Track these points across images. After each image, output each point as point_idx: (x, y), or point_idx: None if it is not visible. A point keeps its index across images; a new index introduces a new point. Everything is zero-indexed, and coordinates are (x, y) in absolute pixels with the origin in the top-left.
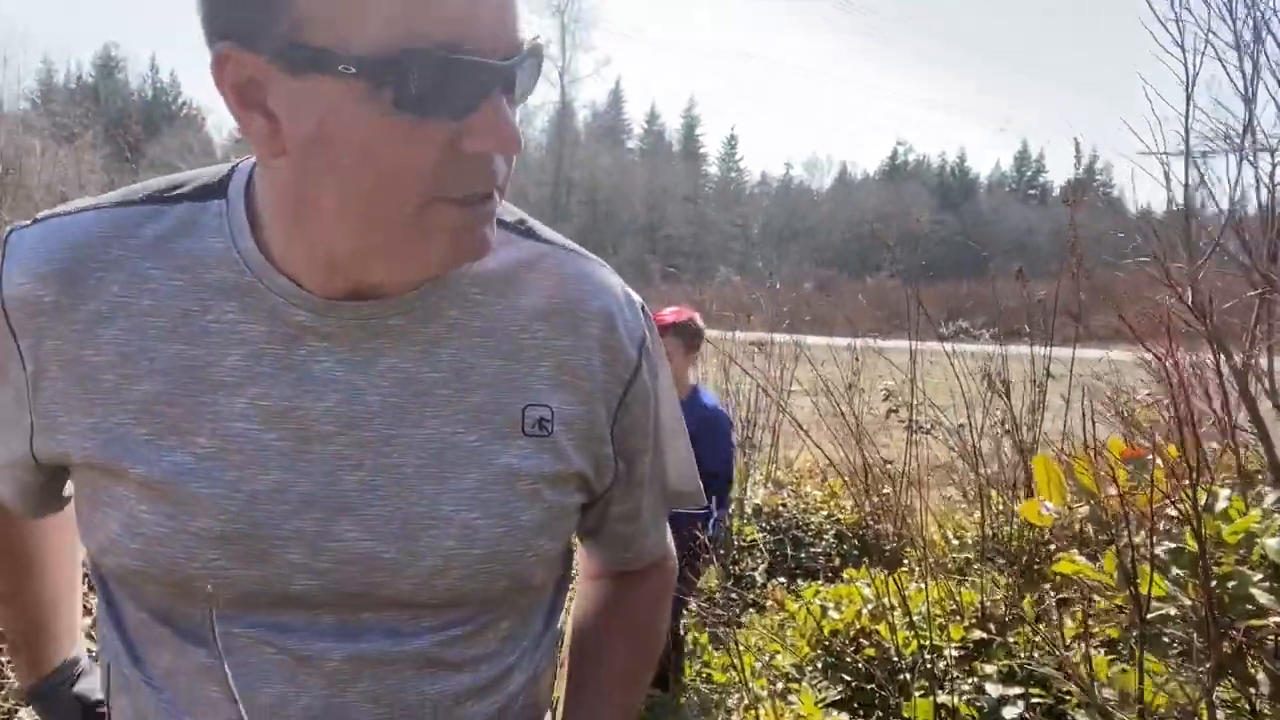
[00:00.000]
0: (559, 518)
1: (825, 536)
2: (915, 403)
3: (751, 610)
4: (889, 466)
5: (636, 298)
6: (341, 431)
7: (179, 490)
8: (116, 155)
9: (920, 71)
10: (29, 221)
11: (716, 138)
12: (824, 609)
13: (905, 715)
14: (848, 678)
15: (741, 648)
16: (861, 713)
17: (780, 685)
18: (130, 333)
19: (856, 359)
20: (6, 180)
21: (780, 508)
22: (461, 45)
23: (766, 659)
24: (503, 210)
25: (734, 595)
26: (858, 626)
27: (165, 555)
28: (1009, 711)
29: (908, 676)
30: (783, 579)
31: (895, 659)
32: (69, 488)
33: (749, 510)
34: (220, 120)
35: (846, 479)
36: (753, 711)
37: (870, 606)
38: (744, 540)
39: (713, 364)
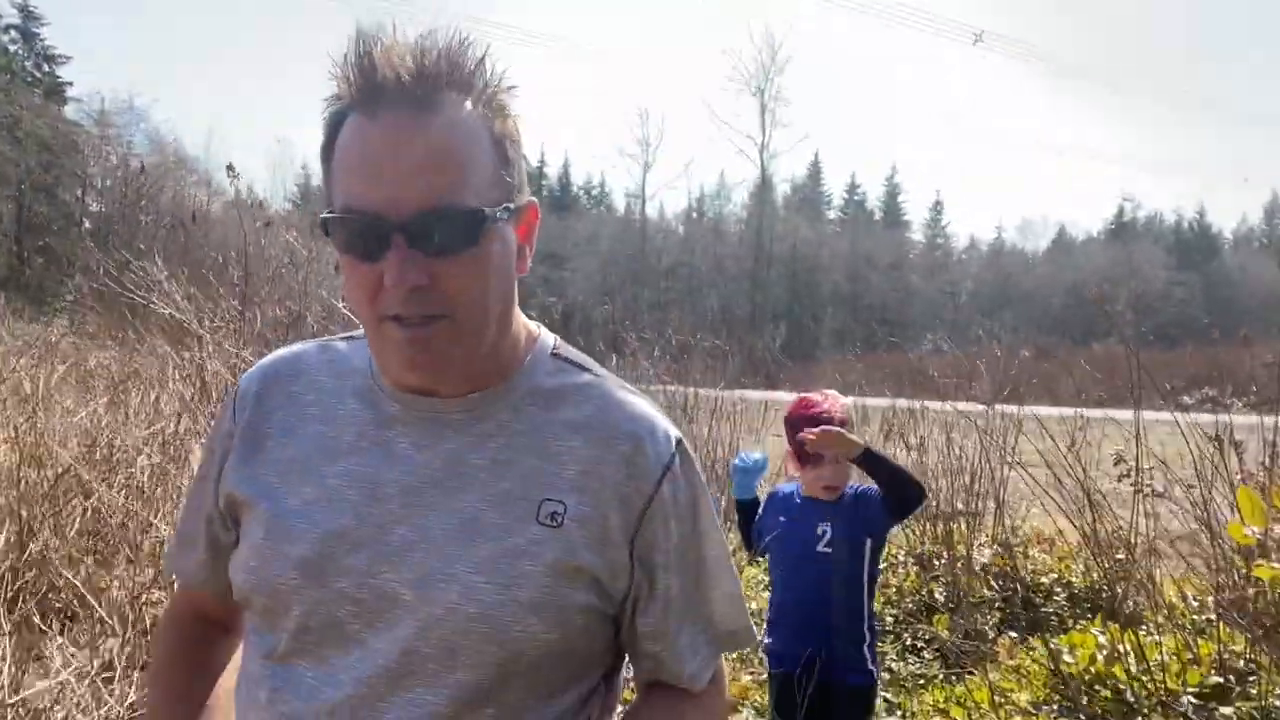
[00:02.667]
0: (558, 607)
1: (1056, 598)
2: (1148, 466)
3: (984, 663)
4: (1122, 531)
5: (675, 432)
6: (399, 496)
7: (285, 523)
8: None
9: (1144, 126)
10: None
11: (921, 204)
12: (1058, 653)
13: None
14: (1084, 717)
15: (977, 685)
16: None
17: (1017, 718)
18: (293, 416)
19: (1080, 427)
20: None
21: (1008, 568)
22: (364, 209)
23: (1003, 697)
24: (570, 351)
25: (965, 649)
26: (1093, 671)
27: (264, 571)
28: None
29: (1144, 718)
30: (1013, 634)
31: (1133, 700)
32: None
33: (977, 568)
34: None
35: (1080, 541)
36: None
37: (1105, 653)
38: (974, 596)
39: (936, 427)
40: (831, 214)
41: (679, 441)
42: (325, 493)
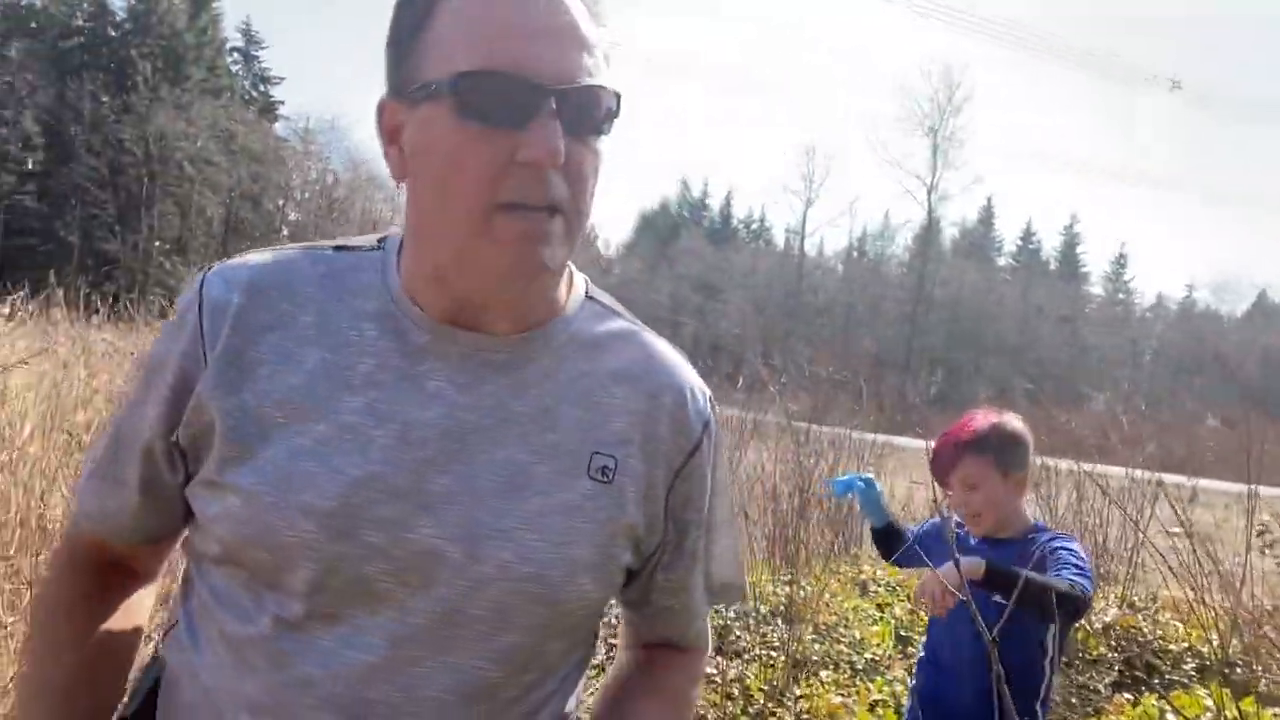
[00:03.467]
0: (607, 564)
1: (1184, 666)
2: None
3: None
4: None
5: (707, 390)
6: (436, 440)
7: (293, 466)
8: None
9: None
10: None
11: (1102, 256)
12: (1162, 712)
13: None
14: None
15: None
16: None
17: None
18: (289, 339)
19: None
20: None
21: (1133, 630)
22: (516, 71)
23: None
24: (601, 294)
25: (1074, 700)
26: None
27: (266, 521)
28: None
29: None
30: (1130, 696)
31: None
32: (169, 521)
33: (1097, 626)
34: (606, 238)
35: (1219, 612)
36: None
37: (1210, 715)
38: (1089, 654)
39: (1068, 487)
40: (1002, 261)
41: (710, 396)
42: (342, 431)
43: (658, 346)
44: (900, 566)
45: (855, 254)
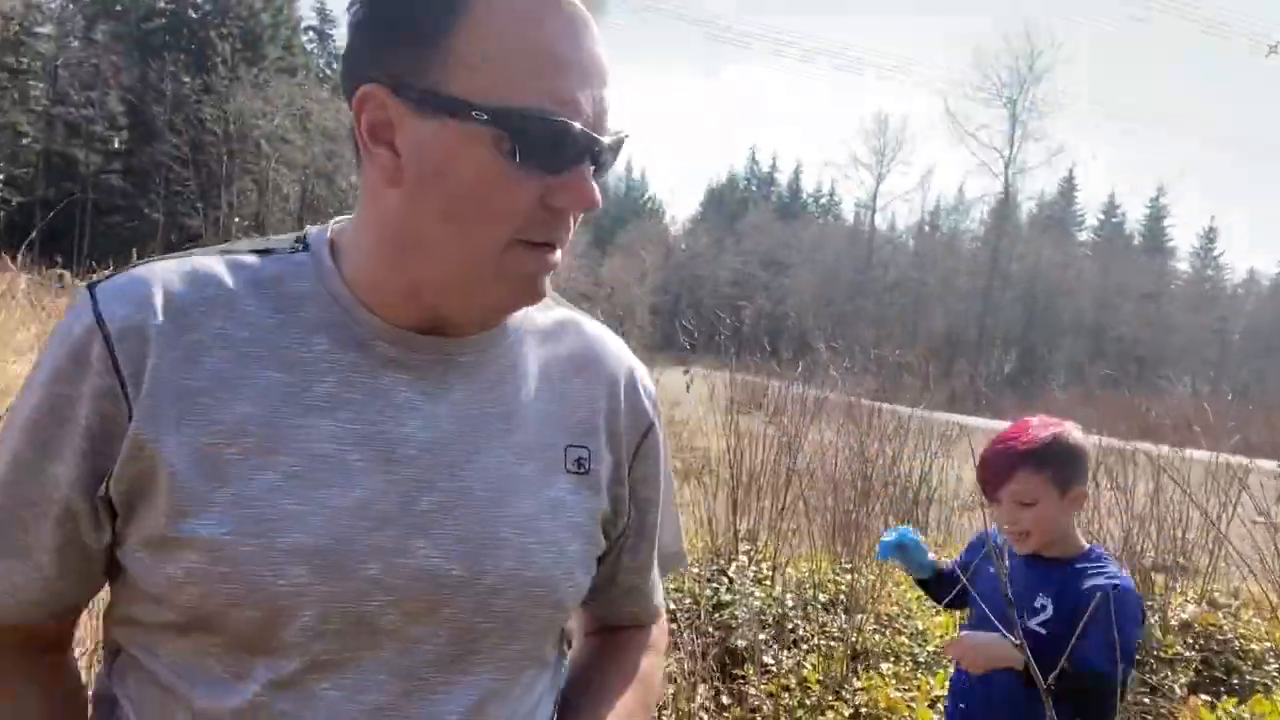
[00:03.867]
0: (593, 554)
1: (1266, 667)
2: None
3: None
4: None
5: (645, 369)
6: (420, 454)
7: (269, 507)
8: (594, 244)
9: None
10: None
11: (1190, 231)
12: (1240, 717)
13: None
14: None
15: None
16: None
17: None
18: (228, 361)
19: None
20: None
21: (1212, 628)
22: (571, 117)
23: None
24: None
25: (1146, 700)
26: None
27: (253, 574)
28: None
29: None
30: (1206, 697)
31: None
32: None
33: (1174, 624)
34: (675, 214)
35: None
36: None
37: None
38: (1165, 652)
39: (1146, 472)
40: (1082, 235)
41: (648, 374)
42: (315, 460)
43: (600, 332)
44: (954, 609)
45: (927, 229)
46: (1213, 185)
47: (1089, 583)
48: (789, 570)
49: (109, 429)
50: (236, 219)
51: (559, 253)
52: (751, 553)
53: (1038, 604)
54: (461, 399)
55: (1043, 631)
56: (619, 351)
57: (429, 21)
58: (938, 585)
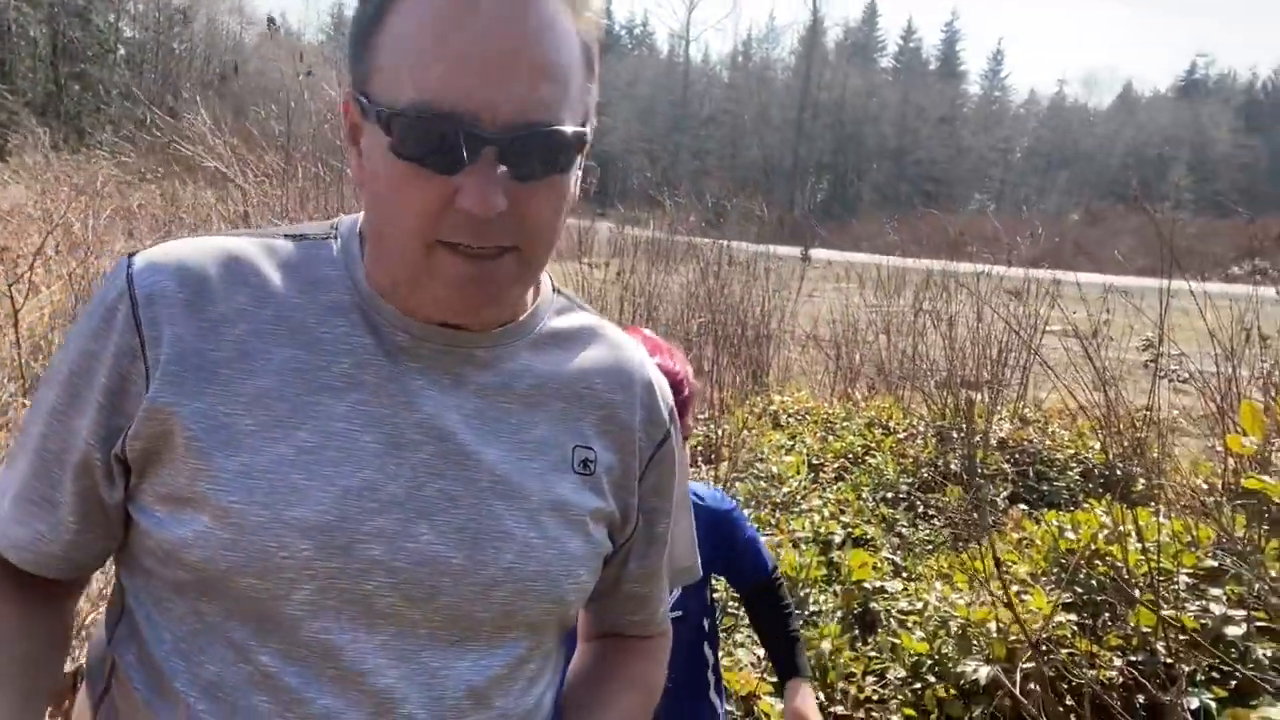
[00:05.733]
0: (595, 554)
1: (1070, 473)
2: (1166, 353)
3: (991, 532)
4: (1142, 413)
5: (665, 379)
6: (430, 442)
7: (279, 480)
8: None
9: None
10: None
11: (980, 54)
12: (1061, 529)
13: (1131, 623)
14: (1079, 590)
15: (982, 554)
16: (1089, 618)
17: (1015, 588)
18: (251, 335)
19: (1105, 301)
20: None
21: (1025, 443)
22: (453, 111)
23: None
24: (565, 289)
25: (973, 519)
26: (1092, 548)
27: (257, 543)
28: (1232, 630)
29: (1138, 594)
30: (1024, 507)
31: (1127, 577)
32: (104, 536)
33: (993, 442)
34: None
35: (1095, 421)
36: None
37: (1106, 532)
38: (986, 469)
39: (967, 304)
40: (885, 62)
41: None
42: (328, 438)
43: (622, 339)
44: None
45: (740, 59)
46: (1002, 9)
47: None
48: None
49: (126, 389)
50: None
51: (508, 258)
52: None
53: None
54: (474, 392)
55: (679, 614)
56: (641, 360)
57: (363, 27)
58: None
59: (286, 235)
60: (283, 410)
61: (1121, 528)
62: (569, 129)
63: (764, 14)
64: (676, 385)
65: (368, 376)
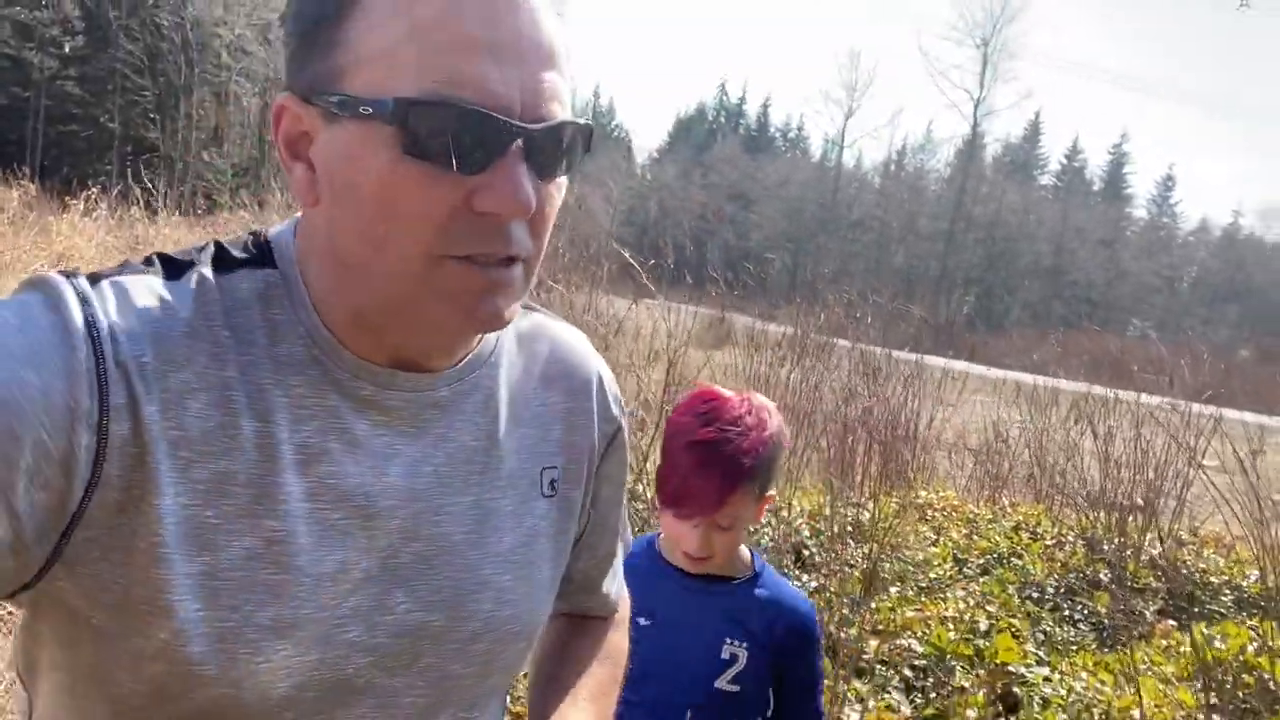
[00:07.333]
0: (560, 571)
1: (1222, 598)
2: None
3: (1139, 641)
4: None
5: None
6: (402, 505)
7: (246, 578)
8: None
9: None
10: (74, 272)
11: (1149, 178)
12: (1210, 639)
13: None
14: (1224, 696)
15: (1127, 656)
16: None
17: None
18: (211, 407)
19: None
20: None
21: (1179, 563)
22: (479, 102)
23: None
24: None
25: (1124, 624)
26: (1240, 660)
27: (226, 653)
28: None
29: None
30: (1173, 622)
31: (1273, 687)
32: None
33: (1144, 559)
34: (642, 144)
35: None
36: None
37: (1255, 644)
38: (1136, 583)
39: (1125, 420)
40: (1045, 180)
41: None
42: (295, 521)
43: (565, 334)
44: None
45: (894, 168)
46: (1174, 136)
47: (781, 617)
48: (792, 502)
49: (67, 460)
50: (195, 132)
51: (516, 268)
52: None
53: (725, 654)
54: (441, 436)
55: (735, 690)
56: (586, 355)
57: (323, 15)
58: None
59: (216, 262)
60: (245, 497)
61: (1272, 642)
62: (584, 121)
63: (921, 124)
64: (781, 445)
65: (332, 443)
